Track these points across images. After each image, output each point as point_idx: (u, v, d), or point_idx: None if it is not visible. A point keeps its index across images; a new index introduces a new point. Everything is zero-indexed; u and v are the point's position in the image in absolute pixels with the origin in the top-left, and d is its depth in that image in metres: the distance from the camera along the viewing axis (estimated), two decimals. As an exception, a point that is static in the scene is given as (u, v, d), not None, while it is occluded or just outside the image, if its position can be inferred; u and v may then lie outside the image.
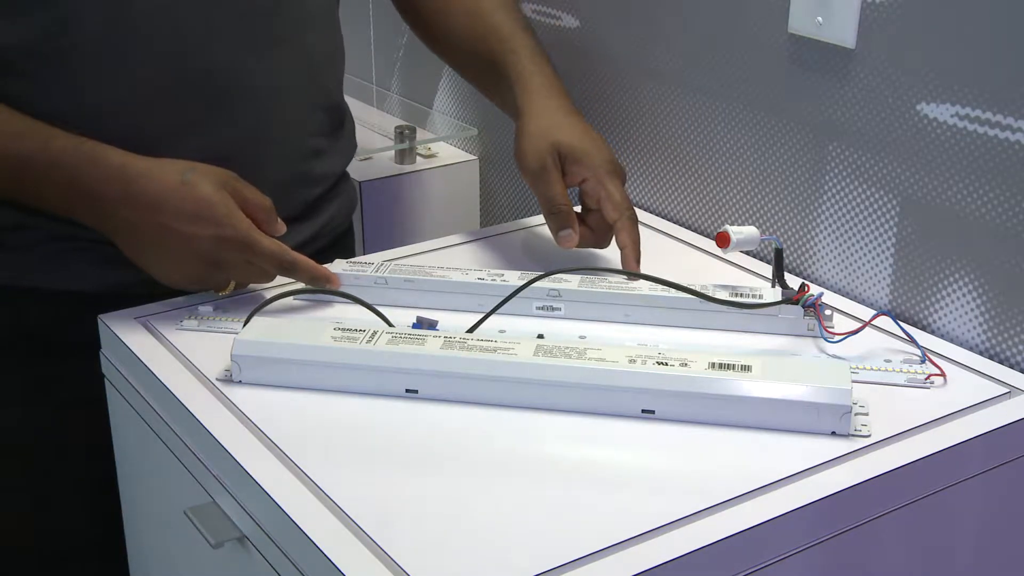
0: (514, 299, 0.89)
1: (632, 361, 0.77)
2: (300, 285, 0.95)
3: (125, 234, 0.86)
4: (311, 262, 0.90)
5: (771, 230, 1.05)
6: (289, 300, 0.92)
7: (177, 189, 0.84)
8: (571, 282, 0.92)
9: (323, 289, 0.92)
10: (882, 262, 0.96)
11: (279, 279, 0.92)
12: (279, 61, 0.96)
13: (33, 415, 0.98)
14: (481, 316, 0.88)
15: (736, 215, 1.08)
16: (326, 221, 1.06)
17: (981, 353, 0.89)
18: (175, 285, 0.89)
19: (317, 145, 1.03)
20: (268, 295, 0.90)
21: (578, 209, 0.98)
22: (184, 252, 0.85)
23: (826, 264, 1.01)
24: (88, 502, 1.01)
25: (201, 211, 0.84)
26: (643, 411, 0.77)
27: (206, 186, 0.84)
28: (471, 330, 0.87)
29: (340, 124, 1.07)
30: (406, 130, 1.41)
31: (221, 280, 0.89)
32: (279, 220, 0.89)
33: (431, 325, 0.87)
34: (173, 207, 0.84)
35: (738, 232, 0.90)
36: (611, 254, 1.02)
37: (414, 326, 0.87)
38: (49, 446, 0.99)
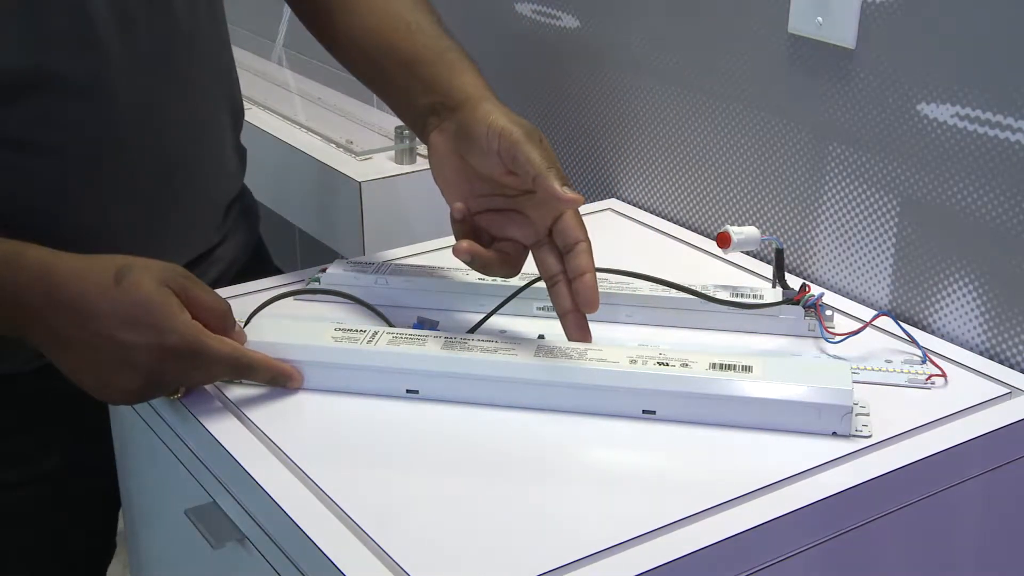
0: (514, 300, 0.89)
1: (633, 361, 0.77)
2: (300, 285, 0.95)
3: (53, 346, 0.76)
4: (270, 360, 0.79)
5: (771, 230, 1.05)
6: (289, 300, 0.92)
7: (108, 291, 0.74)
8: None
9: (321, 288, 0.92)
10: (882, 262, 0.96)
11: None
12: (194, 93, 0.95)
13: None
14: (482, 317, 0.88)
15: (736, 215, 1.08)
16: (237, 241, 1.05)
17: (981, 353, 0.89)
18: (114, 402, 0.81)
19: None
20: (267, 296, 0.90)
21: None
22: (121, 365, 0.75)
23: (826, 264, 1.01)
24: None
25: (138, 316, 0.73)
26: (644, 411, 0.77)
27: (145, 286, 0.74)
28: (472, 330, 0.87)
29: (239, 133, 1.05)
30: (406, 130, 1.41)
31: (167, 391, 0.79)
32: (236, 324, 0.79)
33: (432, 325, 0.87)
34: (105, 313, 0.73)
35: (739, 232, 0.90)
36: (609, 254, 1.02)
37: (415, 326, 0.87)
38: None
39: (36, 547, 0.98)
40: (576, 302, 0.81)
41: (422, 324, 0.88)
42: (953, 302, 0.91)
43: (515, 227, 0.85)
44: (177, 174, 0.94)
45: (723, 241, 0.90)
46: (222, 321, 0.77)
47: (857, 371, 0.83)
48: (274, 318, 0.86)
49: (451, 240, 1.07)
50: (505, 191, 0.85)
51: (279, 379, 0.80)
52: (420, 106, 0.90)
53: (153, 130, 0.90)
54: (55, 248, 0.77)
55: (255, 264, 1.08)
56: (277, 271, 1.13)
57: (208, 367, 0.76)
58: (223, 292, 0.94)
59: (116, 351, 0.74)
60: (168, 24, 0.90)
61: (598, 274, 0.82)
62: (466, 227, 0.85)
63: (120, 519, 1.07)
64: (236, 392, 0.80)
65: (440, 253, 1.04)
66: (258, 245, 1.12)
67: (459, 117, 0.86)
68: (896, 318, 0.88)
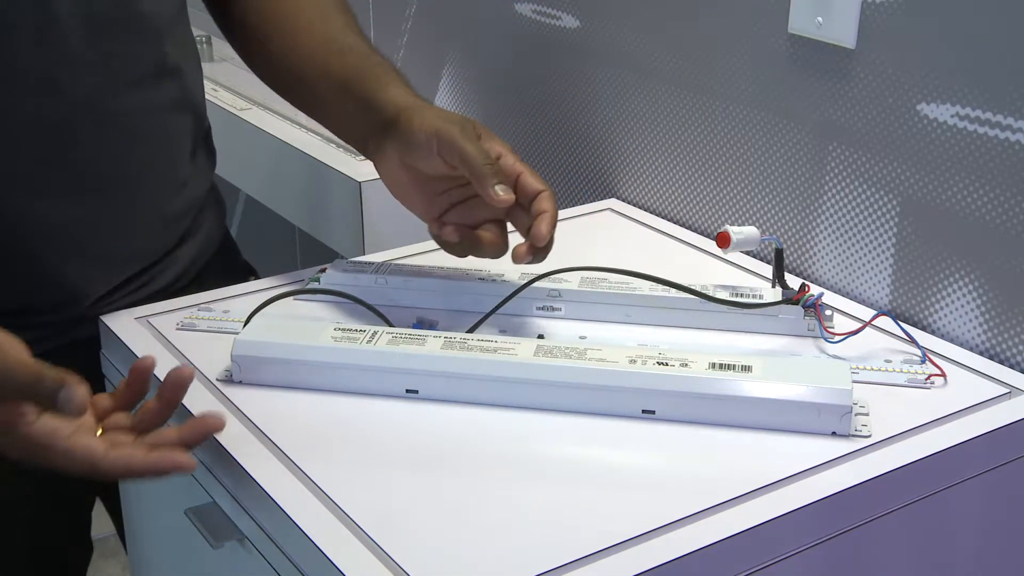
0: (514, 299, 0.89)
1: (632, 361, 0.77)
2: (299, 285, 0.95)
3: None
4: (134, 464, 0.70)
5: (771, 230, 1.05)
6: (289, 300, 0.92)
7: None
8: (571, 282, 0.92)
9: (323, 289, 0.92)
10: (882, 262, 0.96)
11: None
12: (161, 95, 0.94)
13: None
14: (481, 316, 0.88)
15: (736, 215, 1.08)
16: (203, 238, 1.03)
17: (981, 353, 0.89)
18: None
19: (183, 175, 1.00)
20: (267, 296, 0.90)
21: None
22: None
23: (826, 264, 1.01)
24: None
25: None
26: (643, 411, 0.77)
27: None
28: (471, 330, 0.87)
29: (204, 138, 1.04)
30: (406, 130, 1.40)
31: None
32: (60, 383, 0.68)
33: (431, 325, 0.87)
34: None
35: (738, 232, 0.90)
36: (609, 253, 1.02)
37: (414, 326, 0.87)
38: None
39: (16, 546, 0.98)
40: (530, 238, 0.84)
41: (422, 325, 0.88)
42: (953, 302, 0.91)
43: (483, 209, 0.87)
44: (134, 175, 0.92)
45: (723, 241, 0.90)
46: (39, 388, 0.68)
47: (857, 371, 0.83)
48: (274, 318, 0.86)
49: (451, 240, 1.07)
50: (460, 181, 0.88)
51: (158, 476, 0.71)
52: (357, 125, 0.93)
53: (109, 127, 0.89)
54: (9, 256, 0.76)
55: (219, 260, 1.06)
56: (247, 266, 1.13)
57: (66, 466, 0.70)
58: (208, 295, 0.95)
59: None
60: (133, 24, 0.89)
61: (598, 273, 0.88)
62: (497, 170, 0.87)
63: (107, 521, 1.07)
64: (236, 392, 0.80)
65: (440, 253, 1.03)
66: (224, 241, 1.10)
67: (396, 129, 0.88)
68: (896, 318, 0.88)
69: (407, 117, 0.88)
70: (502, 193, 0.83)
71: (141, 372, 0.74)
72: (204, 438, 0.72)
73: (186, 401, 0.79)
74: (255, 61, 1.03)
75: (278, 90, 1.02)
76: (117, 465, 0.70)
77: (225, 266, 1.07)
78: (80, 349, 0.91)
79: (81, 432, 0.71)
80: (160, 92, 0.94)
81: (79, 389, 0.68)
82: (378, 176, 0.93)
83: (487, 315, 0.88)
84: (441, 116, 0.86)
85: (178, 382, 0.74)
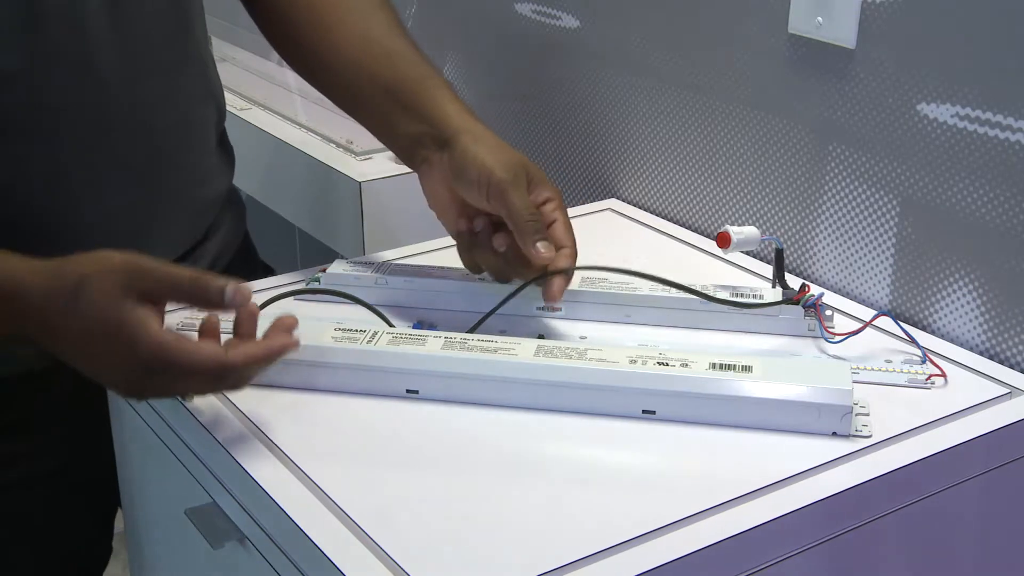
0: (514, 299, 0.89)
1: (633, 361, 0.77)
2: (300, 285, 0.95)
3: (53, 352, 0.74)
4: (256, 353, 0.73)
5: (771, 230, 1.05)
6: (289, 300, 0.92)
7: (72, 314, 0.71)
8: (571, 282, 0.92)
9: (323, 290, 0.92)
10: (882, 262, 0.96)
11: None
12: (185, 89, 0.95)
13: None
14: (481, 316, 0.88)
15: (736, 215, 1.08)
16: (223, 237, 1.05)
17: (981, 353, 0.89)
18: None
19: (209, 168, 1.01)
20: (267, 296, 0.90)
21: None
22: (102, 377, 0.74)
23: (826, 264, 1.01)
24: None
25: (105, 335, 0.70)
26: (643, 411, 0.77)
27: (102, 303, 0.70)
28: (471, 330, 0.87)
29: (223, 134, 1.05)
30: (406, 130, 1.41)
31: (163, 397, 0.78)
32: (211, 283, 0.72)
33: (431, 326, 0.87)
34: (73, 337, 0.72)
35: (738, 232, 0.90)
36: (609, 254, 1.02)
37: (414, 327, 0.87)
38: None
39: (34, 549, 0.98)
40: (544, 295, 0.86)
41: (421, 325, 0.88)
42: (953, 302, 0.91)
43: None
44: (164, 161, 0.93)
45: (723, 241, 0.90)
46: (195, 295, 0.72)
47: (857, 371, 0.83)
48: (274, 318, 0.86)
49: (451, 240, 1.07)
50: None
51: (274, 360, 0.74)
52: (405, 134, 0.92)
53: (140, 112, 0.90)
54: (50, 243, 0.76)
55: (241, 260, 1.08)
56: (265, 267, 1.13)
57: (186, 379, 0.72)
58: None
59: (92, 368, 0.73)
60: (153, 7, 0.90)
61: (598, 272, 0.88)
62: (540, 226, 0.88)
63: (120, 519, 1.07)
64: (236, 392, 0.80)
65: (440, 253, 1.04)
66: (244, 240, 1.11)
67: (450, 153, 0.88)
68: (896, 318, 0.88)
69: (464, 146, 0.88)
70: (543, 250, 0.85)
71: (253, 314, 0.75)
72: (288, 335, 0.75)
73: (186, 402, 0.79)
74: (286, 52, 1.02)
75: (313, 83, 1.01)
76: (238, 356, 0.72)
77: (245, 268, 1.07)
78: None
79: (204, 336, 0.74)
80: (187, 80, 0.94)
81: (243, 284, 0.72)
82: (380, 176, 0.93)
83: (487, 315, 0.88)
84: (496, 155, 0.86)
85: (288, 325, 0.75)
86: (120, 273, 0.71)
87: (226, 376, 0.72)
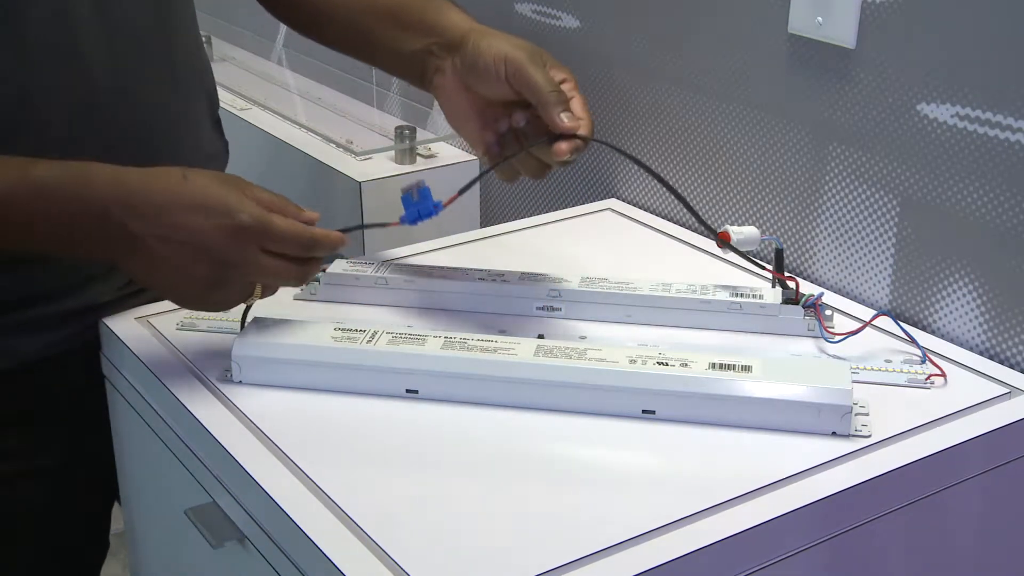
0: (514, 299, 0.89)
1: (632, 361, 0.77)
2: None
3: (128, 252, 0.79)
4: (328, 233, 0.81)
5: (771, 230, 1.05)
6: (289, 302, 0.92)
7: (177, 186, 0.78)
8: (571, 282, 0.92)
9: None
10: (882, 262, 0.96)
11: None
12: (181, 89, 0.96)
13: None
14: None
15: (736, 215, 1.08)
16: None
17: (981, 353, 0.89)
18: (192, 306, 0.83)
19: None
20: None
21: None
22: (194, 253, 0.78)
23: (826, 264, 1.01)
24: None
25: (207, 201, 0.77)
26: (643, 411, 0.77)
27: (210, 178, 0.79)
28: (449, 203, 0.87)
29: (217, 123, 1.06)
30: (406, 130, 1.41)
31: (241, 286, 0.81)
32: (301, 208, 0.81)
33: (421, 187, 0.87)
34: (175, 204, 0.77)
35: (738, 232, 0.90)
36: (609, 254, 1.02)
37: (404, 197, 0.87)
38: None
39: (31, 544, 0.98)
40: (553, 151, 0.85)
41: (410, 191, 0.87)
42: (953, 302, 0.91)
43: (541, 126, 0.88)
44: (155, 152, 0.92)
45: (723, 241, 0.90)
46: (284, 202, 0.80)
47: (857, 371, 0.83)
48: (274, 318, 0.86)
49: (451, 240, 1.08)
50: (515, 109, 0.89)
51: (338, 246, 0.81)
52: (413, 53, 0.93)
53: (128, 102, 0.90)
54: None
55: None
56: None
57: (277, 245, 0.78)
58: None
59: (188, 237, 0.77)
60: None
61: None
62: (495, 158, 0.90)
63: (120, 519, 1.07)
64: (236, 392, 0.80)
65: (440, 253, 1.04)
66: None
67: (462, 53, 0.89)
68: (896, 318, 0.88)
69: (475, 40, 0.89)
70: (567, 120, 0.84)
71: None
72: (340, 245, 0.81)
73: (186, 402, 0.79)
74: (281, 8, 1.03)
75: (312, 34, 1.02)
76: (320, 233, 0.79)
77: None
78: (77, 352, 0.91)
79: None
80: (175, 69, 0.94)
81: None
82: (380, 176, 0.93)
83: (466, 187, 0.87)
84: (509, 41, 0.88)
85: (336, 242, 0.81)
86: (229, 175, 0.80)
87: (314, 248, 0.79)
